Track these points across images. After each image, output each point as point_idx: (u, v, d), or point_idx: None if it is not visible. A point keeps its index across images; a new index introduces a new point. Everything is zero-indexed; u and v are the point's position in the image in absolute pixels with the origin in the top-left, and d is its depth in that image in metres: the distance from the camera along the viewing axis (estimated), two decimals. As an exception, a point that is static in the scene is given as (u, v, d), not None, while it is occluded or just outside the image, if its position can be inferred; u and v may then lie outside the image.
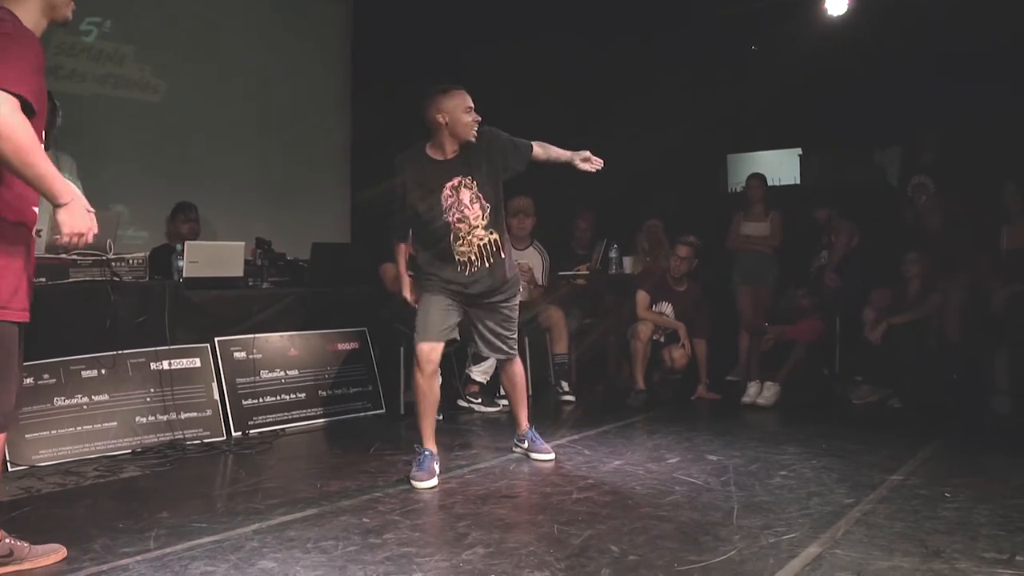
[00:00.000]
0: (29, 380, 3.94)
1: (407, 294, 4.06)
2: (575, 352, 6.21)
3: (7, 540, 2.69)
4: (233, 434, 4.64)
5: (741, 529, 3.04)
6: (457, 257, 3.84)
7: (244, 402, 4.77)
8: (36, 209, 2.61)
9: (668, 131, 6.94)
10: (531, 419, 4.30)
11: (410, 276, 4.11)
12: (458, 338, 4.08)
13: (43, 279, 4.06)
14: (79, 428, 4.16)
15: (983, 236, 5.86)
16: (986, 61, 6.10)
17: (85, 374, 4.25)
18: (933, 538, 2.93)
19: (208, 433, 4.55)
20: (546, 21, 7.01)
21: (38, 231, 3.04)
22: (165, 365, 4.51)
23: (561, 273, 6.32)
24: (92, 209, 2.53)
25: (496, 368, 4.82)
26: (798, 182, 8.04)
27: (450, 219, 3.81)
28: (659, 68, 7.26)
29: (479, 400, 5.57)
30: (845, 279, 6.19)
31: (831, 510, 3.27)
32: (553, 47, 7.11)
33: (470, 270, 3.85)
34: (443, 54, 6.91)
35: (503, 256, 3.92)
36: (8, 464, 3.83)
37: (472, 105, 3.79)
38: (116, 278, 4.44)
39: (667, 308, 6.10)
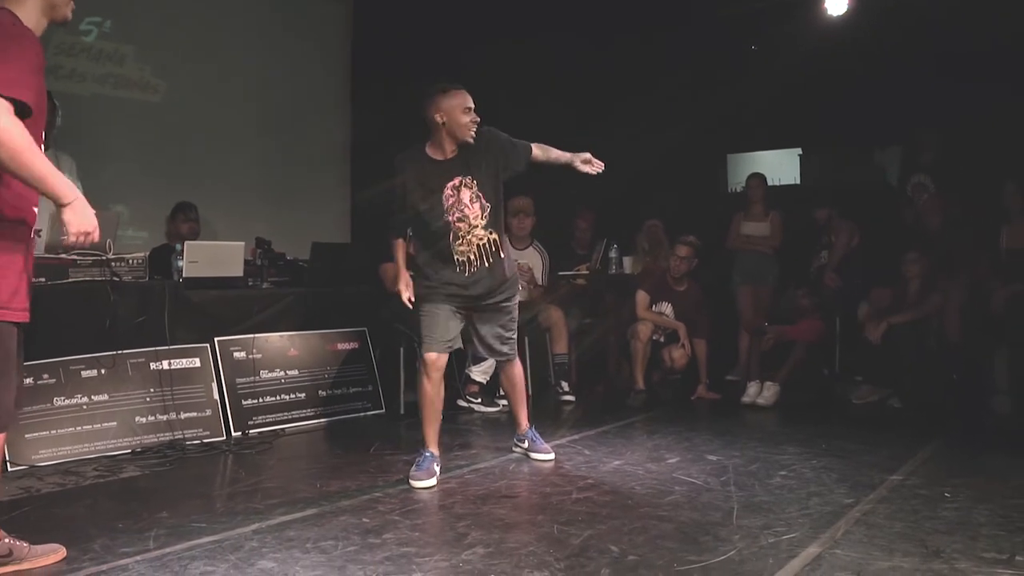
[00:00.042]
0: (29, 380, 3.93)
1: (402, 287, 3.92)
2: (575, 352, 6.20)
3: (6, 540, 2.69)
4: (233, 434, 4.64)
5: (741, 529, 3.04)
6: (456, 257, 3.84)
7: (244, 402, 4.77)
8: (36, 209, 2.61)
9: (668, 131, 6.94)
10: (531, 419, 4.30)
11: (409, 275, 4.09)
12: (461, 345, 4.09)
13: (43, 279, 4.06)
14: (79, 428, 4.16)
15: (983, 236, 5.85)
16: (986, 61, 6.10)
17: (85, 374, 4.25)
18: (933, 538, 2.92)
19: (208, 433, 4.55)
20: (546, 21, 7.01)
21: (37, 231, 3.04)
22: (165, 365, 4.52)
23: (561, 273, 6.32)
24: (92, 209, 2.52)
25: (496, 368, 4.82)
26: (798, 182, 8.05)
27: (450, 219, 3.81)
28: (659, 68, 7.26)
29: (479, 400, 5.57)
30: (845, 279, 6.19)
31: (831, 510, 3.26)
32: (553, 47, 7.11)
33: (469, 270, 3.85)
34: (443, 54, 6.90)
35: (502, 256, 3.92)
36: (8, 464, 3.83)
37: (471, 105, 3.78)
38: (116, 278, 4.44)
39: (667, 308, 6.10)
